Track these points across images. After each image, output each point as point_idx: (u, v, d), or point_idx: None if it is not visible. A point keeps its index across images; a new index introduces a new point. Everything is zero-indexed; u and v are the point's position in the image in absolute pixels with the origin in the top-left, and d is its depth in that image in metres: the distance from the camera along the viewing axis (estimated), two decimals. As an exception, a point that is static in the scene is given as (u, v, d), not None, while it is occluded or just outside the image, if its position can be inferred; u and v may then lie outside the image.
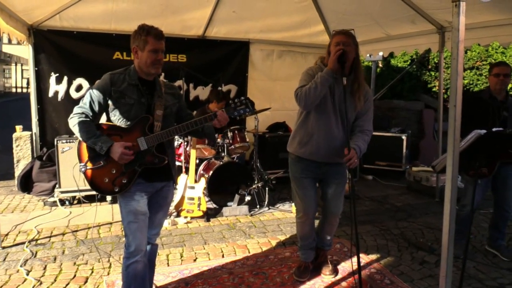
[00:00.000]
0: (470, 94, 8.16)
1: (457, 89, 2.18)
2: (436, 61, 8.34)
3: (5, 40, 36.66)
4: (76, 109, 2.48)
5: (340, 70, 2.91)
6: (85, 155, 2.51)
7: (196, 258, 3.76)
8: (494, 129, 2.79)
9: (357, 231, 2.49)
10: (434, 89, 8.53)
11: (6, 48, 34.15)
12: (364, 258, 3.81)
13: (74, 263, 3.62)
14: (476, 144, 2.52)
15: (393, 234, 4.47)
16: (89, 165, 2.49)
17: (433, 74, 8.61)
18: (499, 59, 8.80)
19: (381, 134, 6.85)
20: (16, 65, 36.33)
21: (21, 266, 3.53)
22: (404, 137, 6.84)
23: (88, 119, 2.47)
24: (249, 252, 3.92)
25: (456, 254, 3.50)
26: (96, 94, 2.47)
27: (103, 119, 2.60)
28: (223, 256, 3.82)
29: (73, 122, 2.46)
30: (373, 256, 3.87)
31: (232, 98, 2.60)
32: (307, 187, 3.24)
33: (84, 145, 2.50)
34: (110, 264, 3.61)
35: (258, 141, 5.52)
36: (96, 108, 2.48)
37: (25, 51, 5.76)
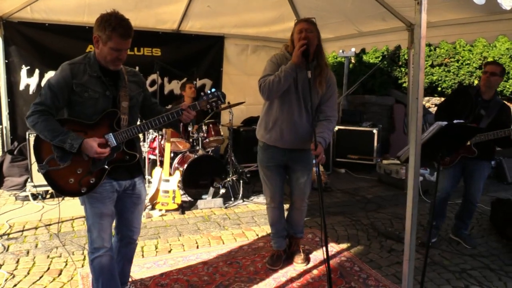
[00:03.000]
0: (461, 86, 8.40)
1: (419, 83, 2.31)
2: (406, 58, 8.57)
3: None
4: (35, 106, 2.24)
5: (304, 62, 2.96)
6: (46, 153, 2.29)
7: (171, 250, 3.81)
8: (455, 121, 2.93)
9: (325, 221, 2.56)
10: (404, 85, 8.77)
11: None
12: (335, 247, 3.94)
13: (48, 256, 3.61)
14: (438, 135, 2.65)
15: (363, 224, 4.62)
16: (52, 165, 2.28)
17: (403, 70, 8.86)
18: (466, 57, 9.13)
19: (353, 129, 7.03)
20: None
21: (-8, 260, 3.51)
22: (375, 131, 7.03)
23: (50, 116, 2.25)
24: (223, 243, 3.99)
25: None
26: (57, 87, 2.24)
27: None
28: (197, 247, 3.88)
29: (33, 121, 2.22)
30: (343, 245, 4.00)
31: (204, 92, 2.54)
32: (274, 173, 3.36)
33: (44, 142, 2.28)
34: (84, 256, 3.62)
35: (233, 135, 5.59)
36: (58, 103, 2.27)
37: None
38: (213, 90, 2.50)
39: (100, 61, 2.34)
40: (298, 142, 3.23)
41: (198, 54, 6.75)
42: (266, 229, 4.35)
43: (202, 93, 2.52)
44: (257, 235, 4.23)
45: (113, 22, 2.20)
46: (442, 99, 8.71)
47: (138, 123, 2.50)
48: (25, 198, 5.17)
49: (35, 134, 2.31)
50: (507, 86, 9.36)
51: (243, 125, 6.82)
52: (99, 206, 2.40)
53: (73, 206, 4.78)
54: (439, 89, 9.05)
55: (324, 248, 2.75)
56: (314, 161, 3.02)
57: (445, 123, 2.61)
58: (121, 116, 2.39)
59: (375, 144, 7.02)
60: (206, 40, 6.81)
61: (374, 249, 3.95)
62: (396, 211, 5.11)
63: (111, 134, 2.34)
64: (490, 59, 9.24)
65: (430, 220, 3.10)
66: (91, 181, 2.34)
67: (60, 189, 2.36)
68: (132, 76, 2.54)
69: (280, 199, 3.47)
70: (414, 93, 2.29)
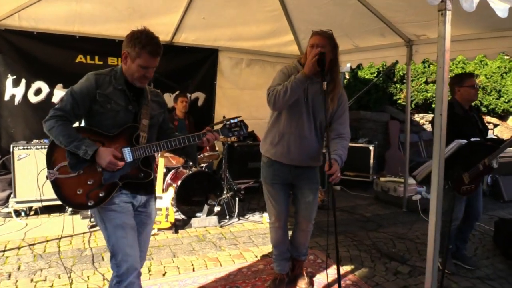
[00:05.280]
0: (452, 106, 8.29)
1: (442, 97, 2.16)
2: (402, 74, 8.53)
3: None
4: (54, 111, 2.19)
5: (318, 74, 2.81)
6: (58, 160, 2.21)
7: (165, 272, 3.57)
8: (472, 139, 2.80)
9: (337, 243, 2.37)
10: (399, 101, 8.71)
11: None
12: (338, 270, 3.74)
13: (31, 280, 3.34)
14: (456, 154, 2.51)
15: (365, 244, 4.44)
16: (62, 173, 2.20)
17: (398, 86, 8.80)
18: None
19: (349, 145, 6.88)
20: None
21: (-30, 284, 3.22)
22: (371, 148, 6.92)
23: (68, 122, 2.20)
24: (221, 265, 3.77)
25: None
26: (79, 95, 2.19)
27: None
28: (193, 270, 3.64)
29: (50, 125, 2.16)
30: (347, 267, 3.81)
31: (227, 119, 2.45)
32: (279, 192, 3.18)
33: (58, 148, 2.20)
34: (72, 280, 3.35)
35: (227, 150, 5.39)
36: (78, 111, 2.21)
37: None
38: (235, 120, 2.44)
39: (127, 77, 2.30)
40: (306, 158, 3.07)
41: (191, 67, 6.57)
42: (265, 250, 4.14)
43: (225, 122, 2.43)
44: (256, 256, 4.01)
45: (144, 39, 2.18)
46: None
47: None
48: (7, 215, 4.88)
49: (45, 144, 2.20)
50: (499, 104, 9.38)
51: (237, 140, 6.62)
52: (120, 217, 2.25)
53: (58, 224, 4.49)
54: (433, 105, 9.00)
55: (330, 271, 2.54)
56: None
57: (465, 141, 2.47)
58: (140, 133, 2.31)
59: (371, 160, 6.90)
60: (200, 52, 6.63)
61: (379, 272, 3.76)
62: (397, 230, 4.95)
63: (129, 148, 2.26)
64: (482, 77, 9.28)
65: (446, 245, 2.93)
66: (100, 195, 2.23)
67: (66, 200, 2.25)
68: (155, 96, 2.49)
69: (285, 219, 3.27)
70: (438, 108, 2.15)
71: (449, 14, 2.11)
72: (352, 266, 3.85)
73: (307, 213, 3.23)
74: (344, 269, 3.77)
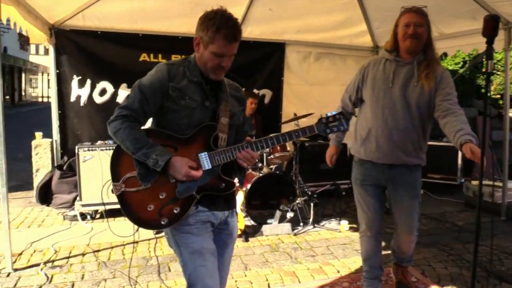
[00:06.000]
0: None
1: None
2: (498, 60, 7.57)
3: (32, 50, 37.51)
4: (120, 110, 1.83)
5: (407, 54, 2.57)
6: (124, 170, 1.85)
7: (238, 288, 3.18)
8: None
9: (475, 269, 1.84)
10: (489, 94, 7.78)
11: (33, 58, 34.76)
12: (439, 291, 3.15)
13: (95, 292, 3.08)
14: None
15: (465, 260, 3.78)
16: (129, 185, 1.83)
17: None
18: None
19: (433, 144, 6.12)
20: (42, 74, 37.00)
21: (33, 294, 3.01)
22: (458, 147, 6.13)
23: (136, 123, 1.83)
24: (299, 281, 3.30)
25: None
26: (149, 89, 1.82)
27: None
28: (269, 286, 3.21)
29: (116, 127, 1.80)
30: (449, 289, 3.21)
31: (325, 116, 1.98)
32: (370, 195, 2.77)
33: (125, 156, 1.84)
34: (137, 293, 3.06)
35: (299, 150, 4.91)
36: (148, 109, 1.84)
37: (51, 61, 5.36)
38: (334, 112, 1.98)
39: (200, 67, 1.90)
40: (399, 154, 2.61)
41: (257, 63, 6.18)
42: (347, 264, 3.62)
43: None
44: (338, 271, 3.50)
45: (218, 21, 1.77)
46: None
47: None
48: (73, 218, 4.74)
49: (110, 147, 1.86)
50: None
51: (308, 139, 6.13)
52: (197, 241, 1.86)
53: (124, 228, 4.22)
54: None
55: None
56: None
57: None
58: (219, 134, 1.89)
59: (459, 161, 6.11)
60: (266, 47, 6.23)
61: (490, 296, 3.13)
62: (500, 243, 4.22)
63: (206, 153, 1.86)
64: None
65: None
66: (175, 211, 1.83)
67: (135, 218, 1.86)
68: (234, 90, 2.07)
69: (378, 228, 2.82)
70: None
71: None
72: None
73: (405, 225, 2.75)
74: (446, 290, 3.18)
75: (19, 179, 6.70)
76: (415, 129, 2.59)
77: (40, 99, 37.83)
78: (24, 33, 4.80)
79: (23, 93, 34.48)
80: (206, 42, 1.80)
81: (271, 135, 1.94)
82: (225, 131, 1.91)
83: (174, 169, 1.77)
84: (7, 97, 29.91)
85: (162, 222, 1.82)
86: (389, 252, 3.13)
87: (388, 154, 2.62)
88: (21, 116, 21.20)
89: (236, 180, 2.04)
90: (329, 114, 1.97)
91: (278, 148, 4.64)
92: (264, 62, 6.26)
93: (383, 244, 3.00)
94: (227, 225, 2.02)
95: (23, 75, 34.06)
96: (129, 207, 1.85)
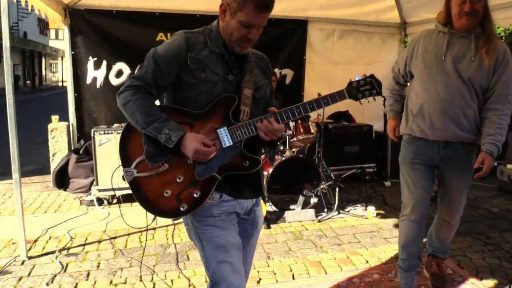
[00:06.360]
0: None
1: None
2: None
3: (52, 35, 37.76)
4: (132, 80, 1.63)
5: (464, 27, 2.35)
6: (135, 153, 1.65)
7: (260, 279, 2.99)
8: None
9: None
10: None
11: (53, 43, 35.01)
12: (478, 285, 2.90)
13: (111, 282, 2.93)
14: None
15: (504, 250, 3.52)
16: (142, 170, 1.63)
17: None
18: None
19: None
20: (62, 59, 37.24)
21: (47, 284, 2.87)
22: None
23: (149, 95, 1.63)
24: (325, 272, 3.09)
25: None
26: (164, 59, 1.61)
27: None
28: (293, 277, 3.01)
29: (125, 99, 1.60)
30: (488, 282, 2.95)
31: (355, 80, 1.77)
32: (421, 174, 2.57)
33: (135, 135, 1.65)
34: (154, 284, 2.90)
35: (323, 132, 4.66)
36: (162, 82, 1.64)
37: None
38: (364, 76, 1.76)
39: (224, 37, 1.68)
40: (455, 129, 2.41)
41: (278, 41, 5.88)
42: (377, 254, 3.40)
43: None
44: (367, 261, 3.28)
45: None
46: None
47: None
48: (90, 203, 4.63)
49: (119, 131, 1.61)
50: None
51: (332, 121, 5.86)
52: (222, 235, 1.67)
53: (141, 214, 4.08)
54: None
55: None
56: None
57: None
58: (241, 107, 1.67)
59: (493, 144, 5.76)
60: (288, 24, 5.93)
61: (535, 290, 2.87)
62: (541, 231, 3.94)
63: (226, 128, 1.65)
64: None
65: None
66: (195, 195, 1.63)
67: (152, 205, 1.67)
68: (259, 60, 1.85)
69: (424, 212, 2.59)
70: None
71: None
72: (495, 281, 2.98)
73: (454, 204, 2.60)
74: (485, 284, 2.93)
75: (37, 163, 6.66)
76: (469, 104, 2.39)
77: (60, 84, 38.22)
78: (43, 17, 4.68)
79: (43, 78, 34.88)
80: (234, 9, 1.59)
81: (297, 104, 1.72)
82: (248, 104, 1.68)
83: (184, 146, 1.55)
84: (28, 82, 30.29)
85: (182, 209, 1.62)
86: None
87: (442, 129, 2.43)
88: (42, 101, 21.37)
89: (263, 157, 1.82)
90: (358, 78, 1.75)
91: (302, 130, 4.39)
92: (286, 40, 5.97)
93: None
94: (252, 214, 1.83)
95: (43, 59, 34.39)
96: (143, 194, 1.66)
